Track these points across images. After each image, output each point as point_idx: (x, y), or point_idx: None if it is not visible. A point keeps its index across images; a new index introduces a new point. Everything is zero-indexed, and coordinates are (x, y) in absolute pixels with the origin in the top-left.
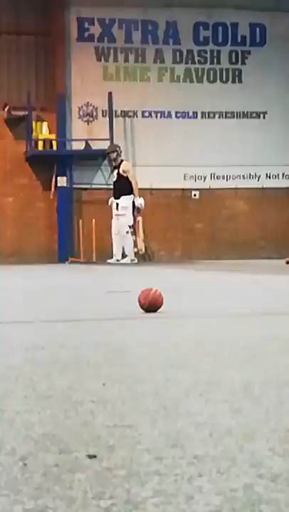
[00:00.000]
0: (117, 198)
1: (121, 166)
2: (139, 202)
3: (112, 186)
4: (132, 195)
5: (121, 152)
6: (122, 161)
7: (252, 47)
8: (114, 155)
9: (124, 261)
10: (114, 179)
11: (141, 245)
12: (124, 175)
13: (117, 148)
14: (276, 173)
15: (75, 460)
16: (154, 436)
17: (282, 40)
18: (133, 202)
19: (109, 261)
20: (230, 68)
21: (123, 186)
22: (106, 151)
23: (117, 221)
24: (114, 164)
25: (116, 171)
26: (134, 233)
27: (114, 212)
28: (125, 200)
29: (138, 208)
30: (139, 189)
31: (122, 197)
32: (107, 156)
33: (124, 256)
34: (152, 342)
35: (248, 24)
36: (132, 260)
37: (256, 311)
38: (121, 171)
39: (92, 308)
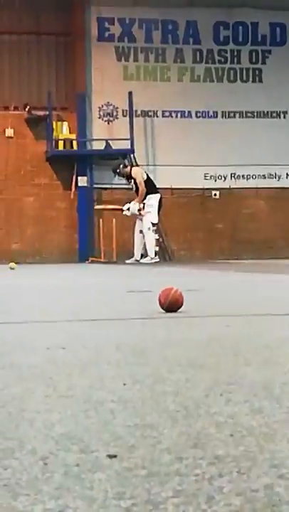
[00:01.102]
0: (144, 199)
1: (132, 173)
2: (134, 208)
3: (132, 188)
4: (157, 194)
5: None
6: (131, 168)
7: (272, 46)
8: (121, 167)
9: (144, 260)
10: (134, 188)
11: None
12: (138, 180)
13: (122, 163)
14: None
15: (95, 460)
16: (175, 436)
17: None
18: (160, 200)
19: (127, 261)
20: (251, 68)
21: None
22: (114, 169)
23: (141, 219)
24: (126, 176)
25: (132, 181)
26: (157, 232)
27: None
28: (151, 200)
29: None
30: (160, 189)
31: (148, 196)
32: (119, 173)
33: (143, 256)
34: (173, 342)
35: (268, 23)
36: (152, 258)
37: (277, 311)
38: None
39: (113, 307)
